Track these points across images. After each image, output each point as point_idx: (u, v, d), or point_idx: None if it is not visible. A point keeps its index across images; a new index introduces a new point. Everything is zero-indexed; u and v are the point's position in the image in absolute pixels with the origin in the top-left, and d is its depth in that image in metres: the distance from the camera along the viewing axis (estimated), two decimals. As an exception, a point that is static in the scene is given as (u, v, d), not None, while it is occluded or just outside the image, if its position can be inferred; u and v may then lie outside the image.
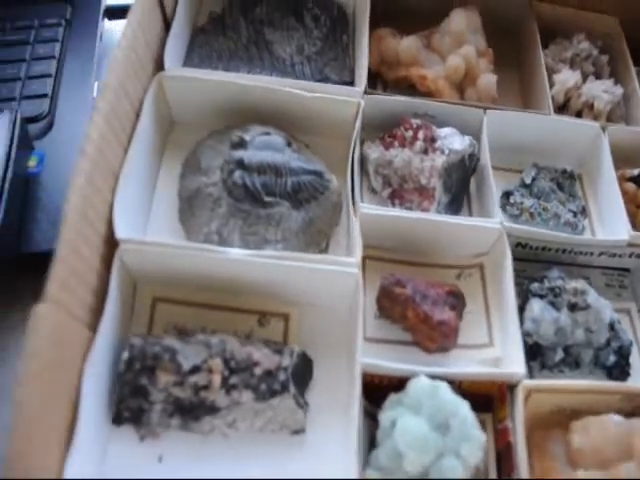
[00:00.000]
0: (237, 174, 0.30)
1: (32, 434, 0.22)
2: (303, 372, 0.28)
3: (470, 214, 0.35)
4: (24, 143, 0.36)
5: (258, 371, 0.27)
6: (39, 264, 0.31)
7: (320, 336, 0.30)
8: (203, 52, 0.38)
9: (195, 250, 0.28)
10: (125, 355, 0.27)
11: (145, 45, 0.33)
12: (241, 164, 0.30)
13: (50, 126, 0.39)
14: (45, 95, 0.41)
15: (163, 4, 0.35)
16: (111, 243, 0.28)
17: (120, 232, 0.28)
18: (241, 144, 0.31)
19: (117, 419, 0.27)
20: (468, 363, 0.30)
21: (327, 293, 0.29)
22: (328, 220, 0.31)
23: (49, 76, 0.42)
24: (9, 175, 0.32)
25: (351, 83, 0.37)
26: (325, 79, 0.37)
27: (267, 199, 0.30)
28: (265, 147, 0.31)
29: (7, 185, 0.32)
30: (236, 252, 0.28)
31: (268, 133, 0.32)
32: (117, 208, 0.28)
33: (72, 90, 0.41)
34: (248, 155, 0.30)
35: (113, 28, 0.48)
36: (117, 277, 0.27)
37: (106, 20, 0.49)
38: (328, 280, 0.29)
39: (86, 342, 0.26)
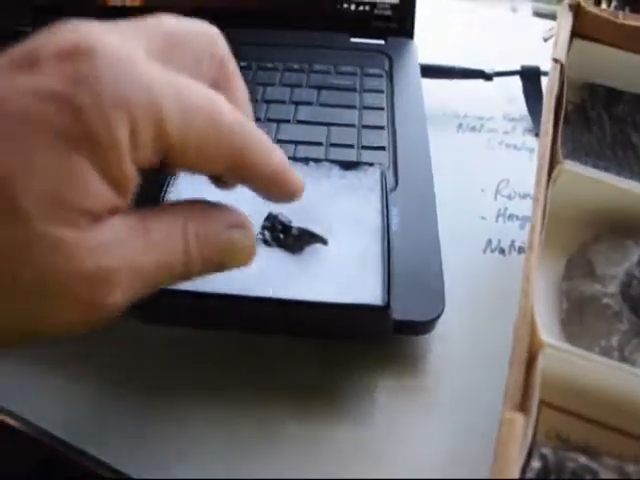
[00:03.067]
0: (651, 294, 0.29)
1: None
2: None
3: None
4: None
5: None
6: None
7: None
8: (570, 144, 0.37)
9: (620, 371, 0.27)
10: (536, 465, 0.26)
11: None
12: (657, 285, 0.29)
13: (396, 182, 0.39)
14: (383, 148, 0.41)
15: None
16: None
17: (544, 335, 0.27)
18: (652, 261, 0.30)
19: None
20: None
21: None
22: None
23: (382, 128, 0.42)
24: (391, 236, 0.32)
25: None
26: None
27: (682, 327, 0.28)
28: (677, 270, 0.30)
29: (391, 246, 0.31)
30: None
31: (672, 253, 0.30)
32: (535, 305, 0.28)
33: (408, 146, 0.41)
34: (663, 276, 0.29)
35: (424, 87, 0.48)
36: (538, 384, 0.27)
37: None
38: None
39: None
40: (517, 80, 0.49)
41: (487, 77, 0.48)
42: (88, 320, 0.19)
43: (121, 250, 0.19)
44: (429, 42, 0.52)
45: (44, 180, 0.17)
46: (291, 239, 0.31)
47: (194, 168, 0.22)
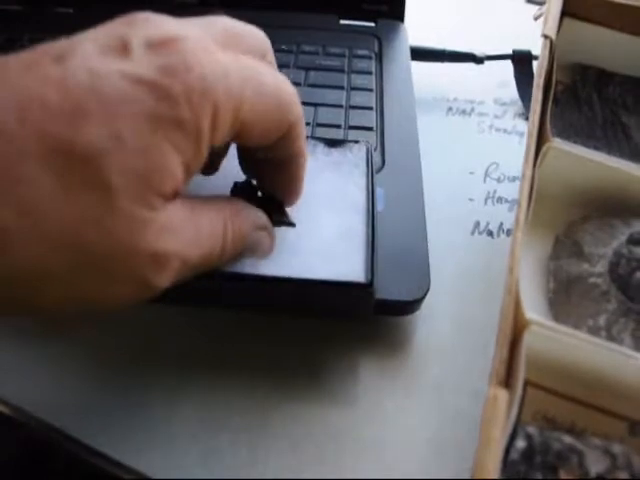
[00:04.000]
0: (639, 275, 0.28)
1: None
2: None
3: None
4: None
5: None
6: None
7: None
8: (559, 124, 0.36)
9: (607, 350, 0.26)
10: (521, 444, 0.25)
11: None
12: (645, 264, 0.28)
13: (383, 163, 0.38)
14: (371, 128, 0.40)
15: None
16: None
17: (529, 312, 0.27)
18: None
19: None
20: None
21: None
22: None
23: (370, 109, 0.41)
24: (376, 213, 0.31)
25: None
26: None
27: (670, 306, 0.28)
28: (665, 249, 0.29)
29: (375, 223, 0.31)
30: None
31: (662, 233, 0.30)
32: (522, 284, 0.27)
33: (396, 128, 0.41)
34: (652, 255, 0.29)
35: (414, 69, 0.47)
36: (523, 362, 0.26)
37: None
38: None
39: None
40: (508, 64, 0.49)
41: (478, 61, 0.48)
42: (134, 298, 0.20)
43: (178, 237, 0.20)
44: (420, 25, 0.51)
45: (134, 159, 0.18)
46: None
47: (254, 141, 0.23)
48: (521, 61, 0.48)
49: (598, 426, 0.29)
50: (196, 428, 0.28)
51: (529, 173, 0.28)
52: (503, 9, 0.61)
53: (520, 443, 0.26)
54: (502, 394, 0.22)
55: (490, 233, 0.38)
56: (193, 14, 0.24)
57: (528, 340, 0.27)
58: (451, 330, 0.33)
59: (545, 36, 0.33)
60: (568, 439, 0.26)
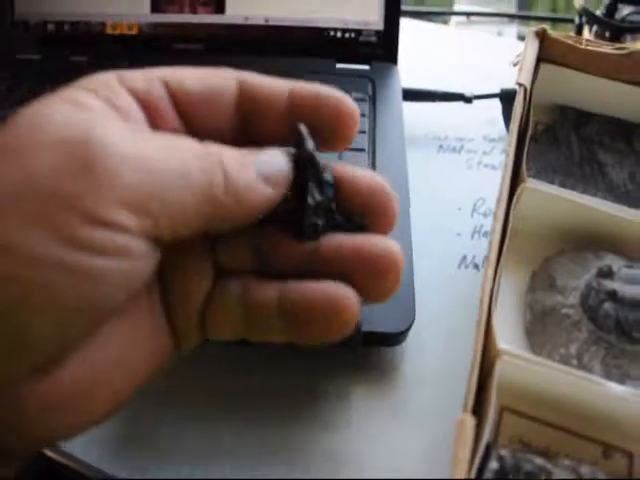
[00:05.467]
0: (607, 305, 0.31)
1: None
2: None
3: None
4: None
5: (628, 515, 0.27)
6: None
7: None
8: (538, 163, 0.39)
9: (576, 378, 0.28)
10: (494, 465, 0.27)
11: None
12: (613, 296, 0.31)
13: (374, 204, 0.40)
14: (362, 169, 0.42)
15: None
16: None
17: (501, 343, 0.29)
18: (609, 274, 0.31)
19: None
20: None
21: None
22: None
23: (363, 150, 0.44)
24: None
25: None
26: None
27: (637, 336, 0.30)
28: (633, 281, 0.31)
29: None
30: (619, 390, 0.28)
31: (631, 266, 0.32)
32: (496, 315, 0.29)
33: (387, 168, 0.43)
34: (620, 288, 0.31)
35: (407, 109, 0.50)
36: (495, 390, 0.28)
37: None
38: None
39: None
40: (497, 102, 0.51)
41: (467, 100, 0.50)
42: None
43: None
44: (414, 66, 0.54)
45: None
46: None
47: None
48: (508, 99, 0.50)
49: (573, 449, 0.31)
50: (198, 455, 0.30)
51: (501, 214, 0.30)
52: (494, 47, 0.64)
53: (493, 464, 0.28)
54: (469, 419, 0.24)
55: (476, 266, 0.40)
56: (199, 62, 0.27)
57: (501, 369, 0.29)
58: (437, 360, 0.35)
59: (519, 84, 0.35)
60: (539, 460, 0.28)
